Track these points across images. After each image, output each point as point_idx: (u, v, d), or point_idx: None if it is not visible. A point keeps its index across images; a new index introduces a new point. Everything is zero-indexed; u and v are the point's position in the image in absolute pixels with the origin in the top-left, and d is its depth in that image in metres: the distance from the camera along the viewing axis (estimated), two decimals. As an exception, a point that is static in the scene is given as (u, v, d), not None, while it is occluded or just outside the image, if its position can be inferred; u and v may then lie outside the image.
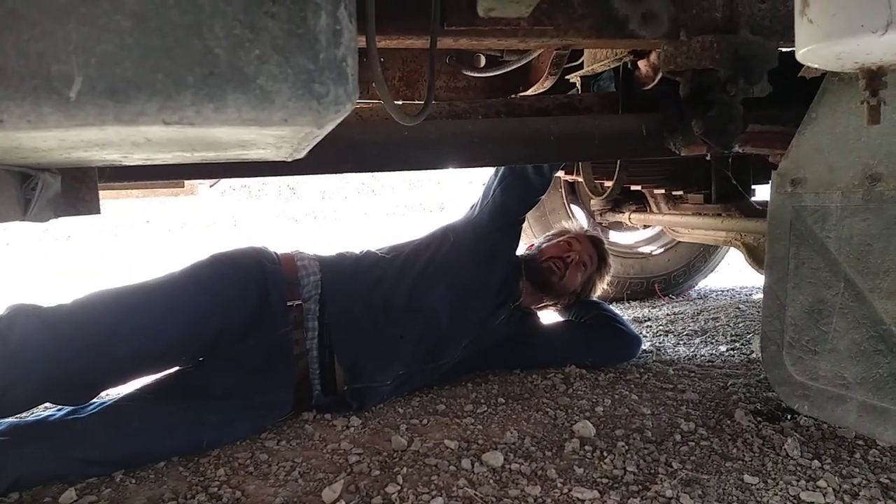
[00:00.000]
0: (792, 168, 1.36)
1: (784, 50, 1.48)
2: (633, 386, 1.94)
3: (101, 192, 2.27)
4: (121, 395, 1.57)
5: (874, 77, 0.80)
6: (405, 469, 1.42)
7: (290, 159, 1.00)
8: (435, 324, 1.88)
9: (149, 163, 0.96)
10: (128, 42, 0.50)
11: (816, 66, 0.84)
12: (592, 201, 3.02)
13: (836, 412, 1.30)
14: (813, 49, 0.79)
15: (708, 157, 1.82)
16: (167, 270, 1.69)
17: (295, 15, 0.52)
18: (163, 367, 1.65)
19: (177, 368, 1.66)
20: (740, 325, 2.82)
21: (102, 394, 1.60)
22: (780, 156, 1.43)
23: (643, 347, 2.33)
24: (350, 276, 1.87)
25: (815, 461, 1.41)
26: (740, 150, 1.59)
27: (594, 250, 2.27)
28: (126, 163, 0.94)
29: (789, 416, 1.64)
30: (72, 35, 0.49)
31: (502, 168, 2.13)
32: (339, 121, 0.57)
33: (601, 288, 2.36)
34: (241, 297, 1.67)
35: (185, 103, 0.51)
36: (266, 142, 0.69)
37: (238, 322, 1.65)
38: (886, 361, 1.20)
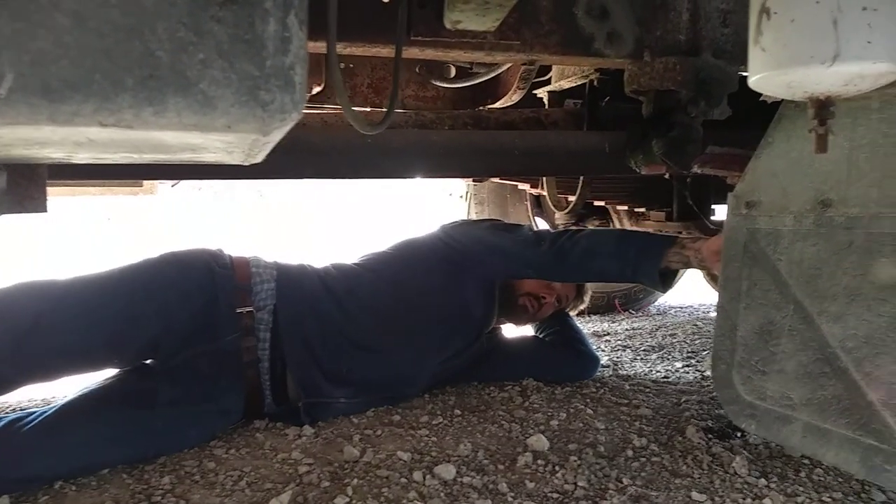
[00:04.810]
0: (747, 191, 1.39)
1: (745, 74, 1.51)
2: (588, 400, 1.95)
3: (58, 189, 2.20)
4: (61, 405, 1.51)
5: (823, 106, 0.82)
6: (355, 480, 1.40)
7: (246, 163, 0.99)
8: (392, 367, 1.84)
9: (98, 162, 0.93)
10: (65, 40, 0.48)
11: (768, 93, 0.85)
12: (556, 215, 3.05)
13: (781, 432, 1.32)
14: (765, 77, 0.80)
15: (667, 177, 1.85)
16: (110, 266, 1.64)
17: (242, 20, 0.51)
18: (93, 366, 1.59)
19: (122, 375, 1.61)
20: (697, 341, 2.86)
21: (40, 398, 1.55)
22: (738, 178, 1.46)
23: (601, 362, 2.35)
24: (308, 292, 1.80)
25: (762, 479, 1.43)
26: (699, 171, 1.62)
27: (575, 288, 2.26)
28: (74, 161, 0.91)
29: (739, 434, 1.66)
30: (3, 30, 0.47)
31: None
32: (285, 129, 0.56)
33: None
34: (181, 300, 1.61)
35: (123, 105, 0.50)
36: (215, 146, 0.68)
37: (181, 326, 1.60)
38: (831, 384, 1.22)
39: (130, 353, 1.59)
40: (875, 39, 0.74)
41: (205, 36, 0.51)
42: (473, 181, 3.38)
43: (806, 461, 1.53)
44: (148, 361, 1.64)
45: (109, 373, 1.63)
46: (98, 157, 0.86)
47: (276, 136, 0.59)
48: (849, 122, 1.19)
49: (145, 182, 2.21)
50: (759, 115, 1.51)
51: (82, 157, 0.83)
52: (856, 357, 1.19)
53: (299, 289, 1.79)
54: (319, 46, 1.10)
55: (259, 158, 0.91)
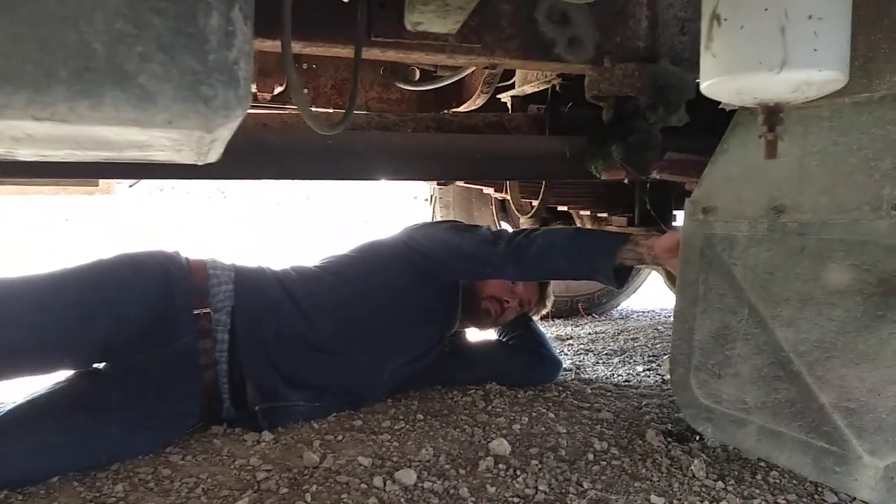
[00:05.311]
0: (704, 196, 1.41)
1: (701, 81, 1.53)
2: (550, 404, 1.96)
3: (7, 188, 2.13)
4: (9, 409, 1.46)
5: (772, 113, 0.83)
6: (314, 487, 1.38)
7: (200, 162, 0.96)
8: (352, 370, 1.82)
9: (43, 159, 0.90)
10: (-7, 29, 0.46)
11: (718, 99, 0.86)
12: (521, 219, 3.06)
13: (737, 435, 1.34)
14: (715, 82, 0.81)
15: (626, 182, 1.87)
16: (64, 266, 1.60)
17: (184, 13, 0.50)
18: (45, 367, 1.55)
19: (73, 378, 1.56)
20: (658, 345, 2.90)
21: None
22: (695, 184, 1.48)
23: (564, 366, 2.36)
24: (266, 294, 1.77)
25: (720, 482, 1.44)
26: (657, 177, 1.64)
27: (537, 292, 2.26)
28: (17, 158, 0.88)
29: (698, 438, 1.68)
30: (-76, 16, 0.45)
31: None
32: (231, 126, 0.54)
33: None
34: (136, 301, 1.58)
35: (58, 98, 0.48)
36: (161, 144, 0.66)
37: (136, 327, 1.56)
38: (784, 387, 1.24)
39: (83, 354, 1.55)
40: (821, 47, 0.76)
41: (144, 28, 0.49)
42: (439, 185, 3.38)
43: (762, 464, 1.55)
44: (101, 364, 1.60)
45: (61, 376, 1.59)
46: (42, 154, 0.84)
47: (223, 134, 0.58)
48: (800, 129, 1.21)
49: (101, 181, 2.15)
50: (718, 122, 1.54)
51: (25, 154, 0.80)
52: (808, 361, 1.21)
53: (257, 291, 1.76)
54: (278, 45, 1.08)
55: (213, 158, 0.89)
